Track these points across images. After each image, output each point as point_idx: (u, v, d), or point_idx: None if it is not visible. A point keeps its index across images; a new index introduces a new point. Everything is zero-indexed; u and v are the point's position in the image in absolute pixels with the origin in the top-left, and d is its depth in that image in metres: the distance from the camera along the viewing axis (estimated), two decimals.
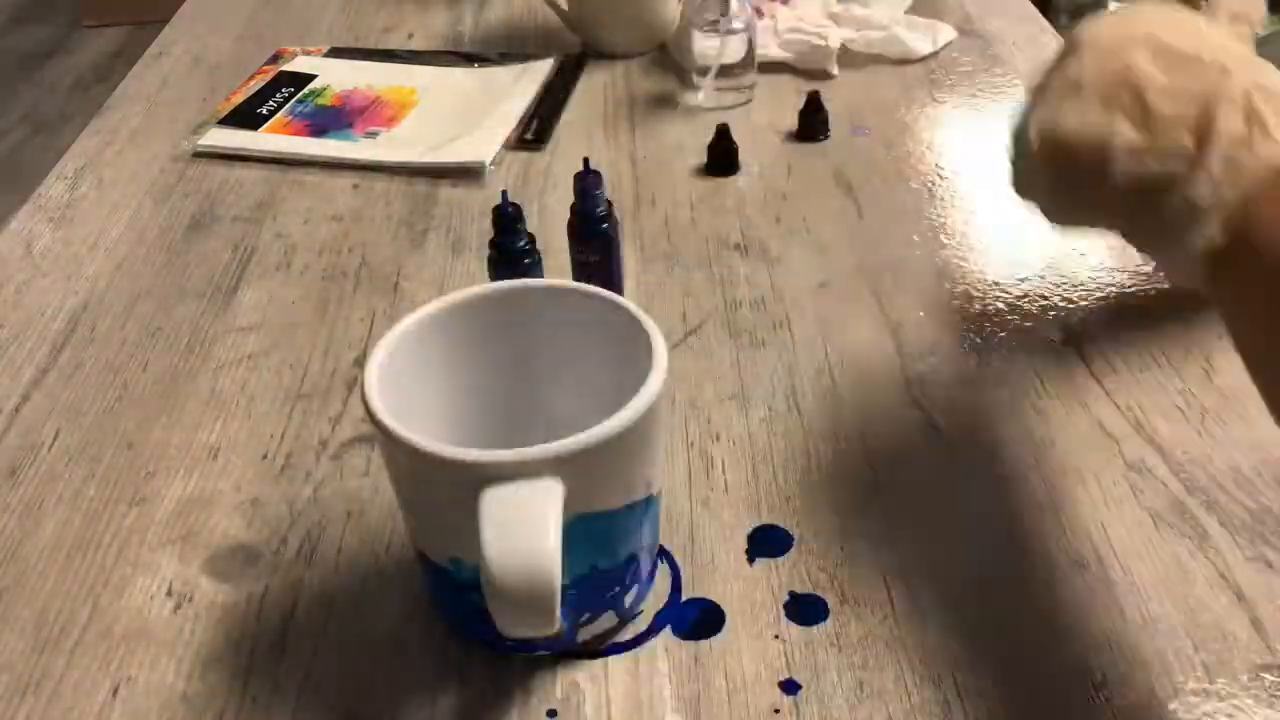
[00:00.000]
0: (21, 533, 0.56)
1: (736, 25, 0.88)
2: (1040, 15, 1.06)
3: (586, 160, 0.66)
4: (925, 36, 0.96)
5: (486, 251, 0.64)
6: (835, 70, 0.93)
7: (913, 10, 1.01)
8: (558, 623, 0.41)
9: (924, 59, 0.95)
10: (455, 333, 0.51)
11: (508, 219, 0.63)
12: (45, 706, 0.48)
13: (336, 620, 0.50)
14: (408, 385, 0.48)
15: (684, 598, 0.50)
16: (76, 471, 0.59)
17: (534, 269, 0.65)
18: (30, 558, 0.54)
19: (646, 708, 0.46)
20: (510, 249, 0.64)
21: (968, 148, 0.84)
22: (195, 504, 0.57)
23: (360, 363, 0.65)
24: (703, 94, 0.89)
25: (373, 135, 0.89)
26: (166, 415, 0.63)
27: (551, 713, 0.46)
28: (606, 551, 0.46)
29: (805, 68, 0.94)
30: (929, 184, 0.79)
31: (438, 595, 0.49)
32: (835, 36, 0.94)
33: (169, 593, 0.52)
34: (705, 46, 0.88)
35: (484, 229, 0.77)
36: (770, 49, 0.95)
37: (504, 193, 0.64)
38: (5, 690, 0.48)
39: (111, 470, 0.59)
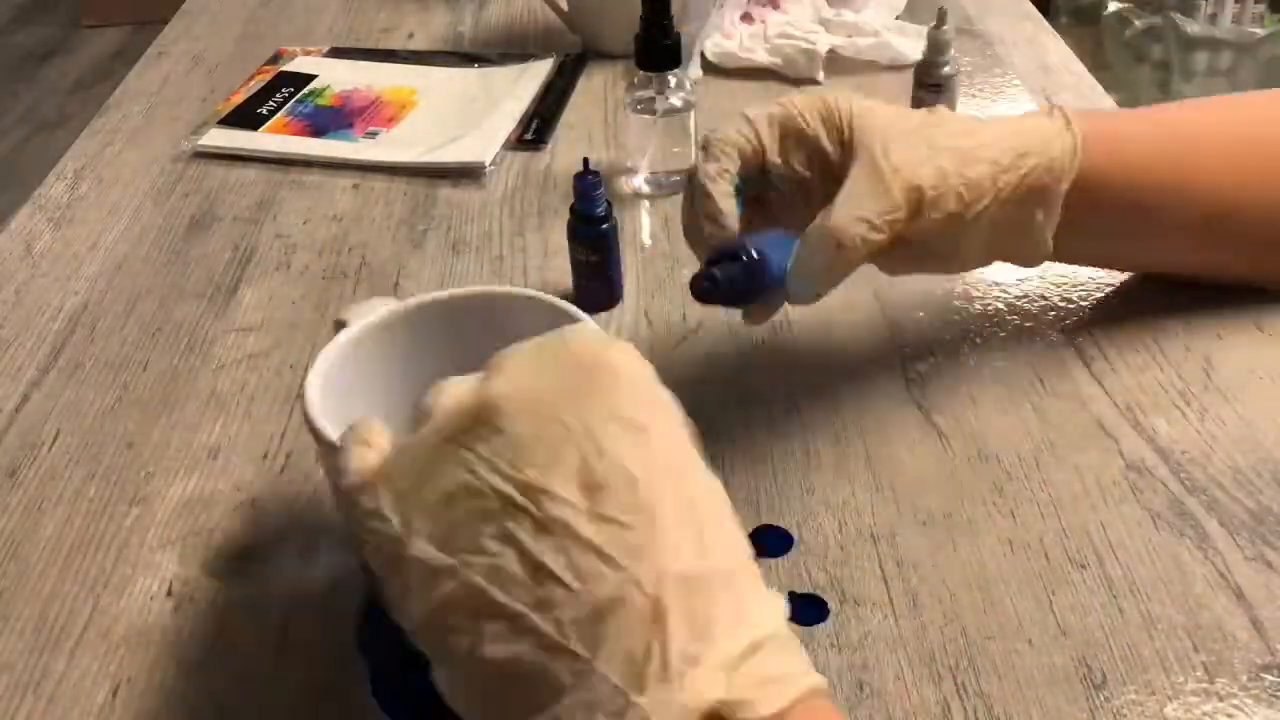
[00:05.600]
0: (21, 533, 0.56)
1: (675, 103, 0.78)
2: (1040, 15, 1.06)
3: (586, 160, 0.66)
4: (916, 42, 0.96)
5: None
6: (821, 77, 0.93)
7: (909, 12, 1.01)
8: None
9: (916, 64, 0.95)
10: (402, 342, 0.50)
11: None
12: (45, 706, 0.48)
13: (336, 620, 0.50)
14: (354, 397, 0.47)
15: None
16: (76, 471, 0.59)
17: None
18: (30, 558, 0.54)
19: None
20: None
21: None
22: (195, 504, 0.57)
23: None
24: (639, 179, 0.81)
25: (373, 135, 0.89)
26: (166, 415, 0.63)
27: None
28: None
29: (793, 75, 0.94)
30: None
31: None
32: (824, 43, 0.94)
33: (169, 593, 0.52)
34: (639, 130, 0.80)
35: (484, 229, 0.77)
36: (758, 55, 0.95)
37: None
38: (5, 690, 0.48)
39: (111, 470, 0.59)
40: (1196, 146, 0.61)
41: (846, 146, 0.55)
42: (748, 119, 0.56)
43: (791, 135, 0.56)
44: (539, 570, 0.32)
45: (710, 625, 0.32)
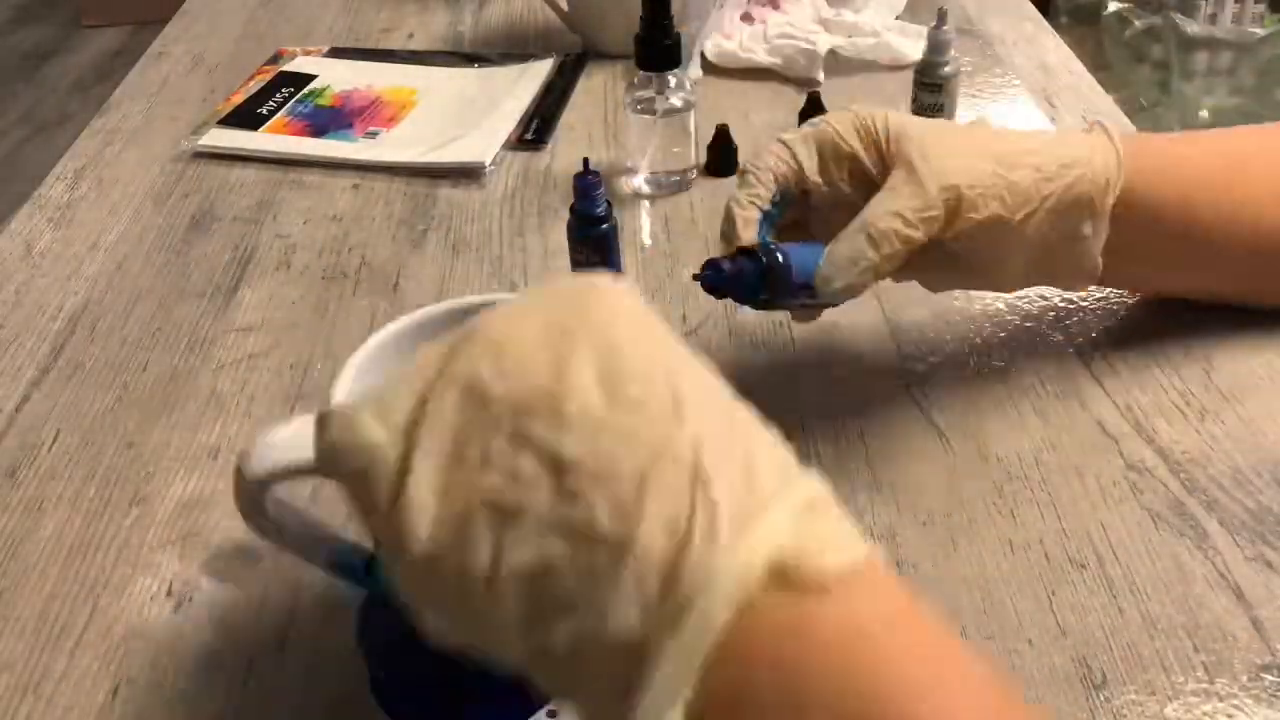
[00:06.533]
0: (21, 533, 0.56)
1: (675, 103, 0.79)
2: (1040, 15, 1.06)
3: (586, 160, 0.66)
4: (916, 42, 0.96)
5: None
6: (821, 77, 0.93)
7: (909, 12, 1.01)
8: None
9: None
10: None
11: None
12: (45, 706, 0.48)
13: (336, 620, 0.50)
14: None
15: None
16: (76, 471, 0.59)
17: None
18: (30, 558, 0.54)
19: None
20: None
21: None
22: (195, 504, 0.57)
23: None
24: (639, 179, 0.81)
25: (373, 135, 0.89)
26: (166, 415, 0.63)
27: (552, 713, 0.46)
28: None
29: (793, 75, 0.94)
30: None
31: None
32: (824, 43, 0.94)
33: (169, 593, 0.52)
34: (639, 130, 0.80)
35: (484, 229, 0.77)
36: (758, 55, 0.95)
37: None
38: (5, 690, 0.48)
39: (111, 470, 0.59)
40: (1247, 175, 0.60)
41: (887, 160, 0.54)
42: (783, 142, 0.56)
43: (829, 153, 0.56)
44: (562, 465, 0.29)
45: (757, 482, 0.29)
